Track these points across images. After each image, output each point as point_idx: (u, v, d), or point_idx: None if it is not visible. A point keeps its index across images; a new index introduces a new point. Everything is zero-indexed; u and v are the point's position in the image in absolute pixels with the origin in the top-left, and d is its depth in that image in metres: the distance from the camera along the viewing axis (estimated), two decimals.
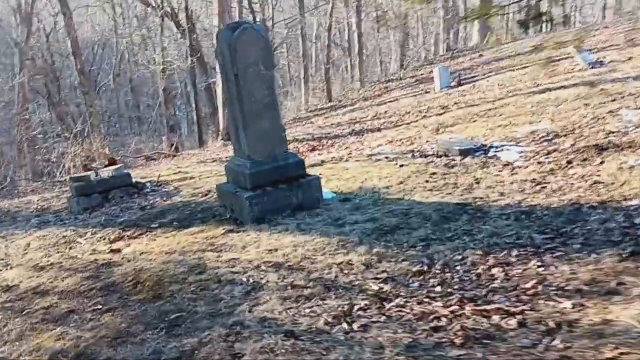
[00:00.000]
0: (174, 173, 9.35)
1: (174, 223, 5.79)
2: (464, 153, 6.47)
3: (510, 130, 7.25)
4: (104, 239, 5.66)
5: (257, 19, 27.29)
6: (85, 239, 5.80)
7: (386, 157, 7.19)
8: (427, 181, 5.80)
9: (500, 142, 6.79)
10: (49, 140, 27.00)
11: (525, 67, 14.15)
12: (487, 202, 4.94)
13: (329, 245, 4.42)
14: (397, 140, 8.48)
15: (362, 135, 10.55)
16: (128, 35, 33.48)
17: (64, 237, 6.11)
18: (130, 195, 7.70)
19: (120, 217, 6.59)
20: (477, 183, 5.50)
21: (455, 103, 11.31)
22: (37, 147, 22.56)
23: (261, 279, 3.96)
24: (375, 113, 13.53)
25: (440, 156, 6.66)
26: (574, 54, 12.08)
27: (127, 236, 5.59)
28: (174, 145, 22.55)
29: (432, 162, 6.50)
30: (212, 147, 18.57)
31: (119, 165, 8.04)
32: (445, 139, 7.59)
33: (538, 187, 5.12)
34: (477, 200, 5.03)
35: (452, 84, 14.79)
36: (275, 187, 5.41)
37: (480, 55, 21.13)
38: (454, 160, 6.41)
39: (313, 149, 10.16)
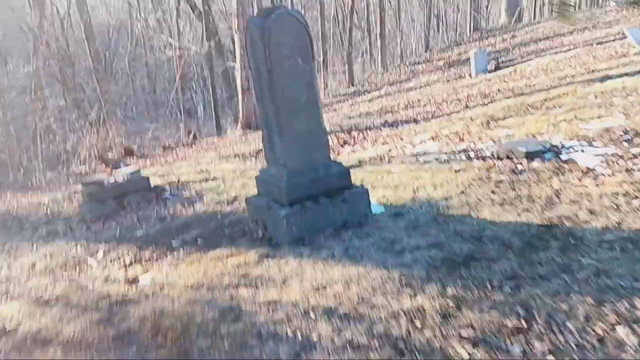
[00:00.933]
0: (195, 172, 8.55)
1: (199, 241, 5.01)
2: (531, 155, 5.58)
3: (577, 127, 6.32)
4: (119, 261, 4.90)
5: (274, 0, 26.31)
6: (97, 261, 5.03)
7: (436, 159, 6.31)
8: (493, 192, 4.92)
9: (570, 141, 5.88)
10: (64, 127, 26.42)
11: (569, 49, 13.10)
12: (577, 224, 4.06)
13: (389, 280, 3.59)
14: (442, 136, 7.59)
15: (397, 127, 9.65)
16: (143, 19, 32.62)
17: (73, 256, 5.36)
18: (148, 201, 6.93)
19: (136, 229, 5.83)
20: (557, 196, 4.62)
21: (499, 90, 10.36)
22: (52, 135, 21.88)
23: (311, 332, 3.15)
24: (407, 101, 12.60)
25: (502, 158, 5.77)
26: (627, 35, 11.02)
27: (145, 259, 4.80)
28: (192, 133, 21.79)
29: (493, 166, 5.61)
30: (231, 136, 17.78)
31: (135, 169, 7.26)
32: (504, 137, 6.69)
33: (637, 204, 4.22)
34: (563, 220, 4.15)
35: (489, 68, 13.78)
36: (315, 202, 4.59)
37: (513, 37, 19.99)
38: (520, 164, 5.52)
39: (344, 143, 9.30)
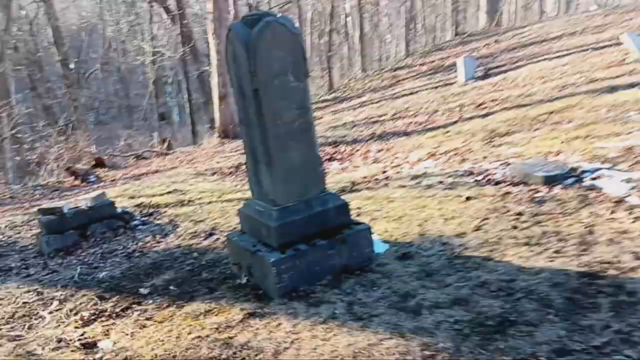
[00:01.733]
0: (168, 192, 7.77)
1: (171, 288, 4.25)
2: (551, 181, 4.94)
3: (594, 146, 5.71)
4: (76, 315, 4.11)
5: (251, 3, 25.56)
6: (50, 313, 4.25)
7: (440, 182, 5.64)
8: (514, 227, 4.26)
9: (590, 163, 5.26)
10: (33, 136, 25.15)
11: (561, 56, 12.58)
12: (623, 272, 3.41)
13: (408, 355, 2.89)
14: (441, 154, 6.93)
15: (388, 140, 8.98)
16: (114, 23, 31.56)
17: (24, 303, 4.57)
18: (115, 230, 6.14)
19: (100, 269, 5.05)
20: (591, 233, 3.97)
21: (493, 100, 9.75)
22: (19, 145, 20.74)
23: None
24: (394, 110, 11.95)
25: (517, 184, 5.12)
26: (625, 41, 10.51)
27: (107, 313, 4.02)
28: (166, 142, 20.87)
29: (508, 193, 4.96)
30: (208, 147, 16.99)
31: (99, 193, 6.46)
32: (512, 156, 6.05)
33: None
34: (606, 267, 3.50)
35: (478, 75, 13.21)
36: (311, 245, 3.88)
37: (497, 41, 19.52)
38: (538, 191, 4.88)
39: (331, 159, 8.59)
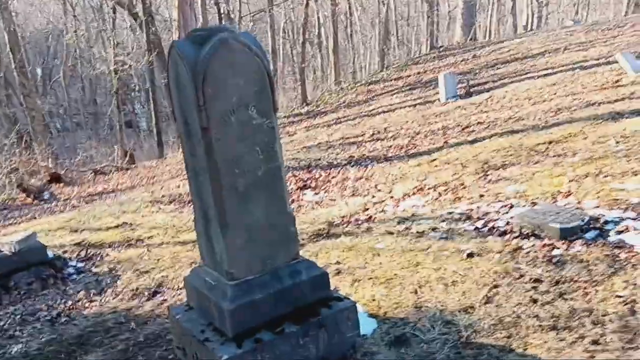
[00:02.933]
0: (116, 226, 6.74)
1: None
2: (569, 234, 4.10)
3: (610, 187, 4.90)
4: None
5: (222, 11, 24.58)
6: None
7: (433, 229, 4.76)
8: (534, 300, 3.39)
9: (611, 210, 4.44)
10: None
11: (547, 74, 11.91)
12: None
13: None
14: (429, 189, 6.07)
15: (367, 167, 8.10)
16: (78, 28, 30.21)
17: None
18: (44, 280, 5.12)
19: (15, 339, 4.04)
20: (633, 313, 3.12)
21: (479, 123, 8.97)
22: None
23: None
24: (372, 130, 11.09)
25: (527, 236, 4.27)
26: (619, 60, 9.84)
27: None
28: (127, 155, 19.67)
29: (519, 249, 4.09)
30: (172, 162, 15.92)
31: (28, 234, 5.41)
32: (513, 196, 5.21)
33: None
34: None
35: (459, 92, 12.47)
36: (278, 332, 2.94)
37: (475, 56, 18.90)
38: (554, 247, 4.03)
39: (305, 186, 7.67)
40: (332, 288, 3.92)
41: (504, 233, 4.43)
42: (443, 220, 4.95)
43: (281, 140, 10.60)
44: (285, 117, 19.43)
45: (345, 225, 5.35)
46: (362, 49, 34.82)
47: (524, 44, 18.38)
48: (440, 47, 25.81)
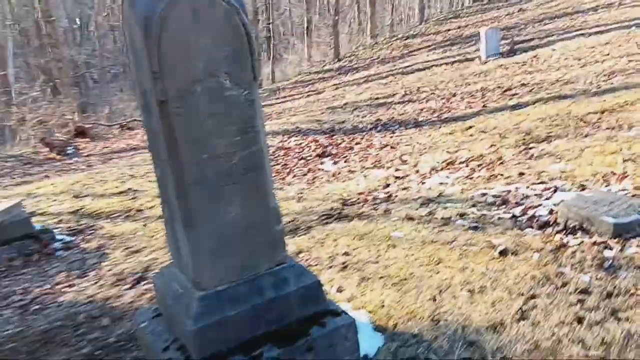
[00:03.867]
0: (120, 192, 6.24)
1: None
2: (624, 231, 3.39)
3: None
4: None
5: None
6: None
7: (461, 215, 4.08)
8: (579, 319, 2.73)
9: None
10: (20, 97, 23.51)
11: (599, 32, 10.80)
12: None
13: None
14: (461, 162, 5.35)
15: (394, 133, 7.39)
16: None
17: None
18: (27, 256, 4.67)
19: None
20: None
21: (523, 85, 8.10)
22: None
23: None
24: (404, 90, 10.29)
25: (574, 230, 3.56)
26: None
27: None
28: None
29: (563, 247, 3.40)
30: None
31: (13, 203, 4.93)
32: (558, 176, 4.48)
33: None
34: None
35: (502, 50, 11.48)
36: (254, 357, 2.35)
37: (521, 10, 17.61)
38: (606, 246, 3.33)
39: (324, 153, 7.03)
40: (335, 287, 3.33)
41: (545, 225, 3.73)
42: (474, 205, 4.25)
43: (307, 96, 10.01)
44: (315, 72, 18.63)
45: (361, 205, 4.70)
46: (401, 1, 33.29)
47: None
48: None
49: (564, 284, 3.04)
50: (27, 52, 29.50)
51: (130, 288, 3.82)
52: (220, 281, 2.40)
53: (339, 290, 3.27)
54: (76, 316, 3.51)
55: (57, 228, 5.35)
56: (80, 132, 16.85)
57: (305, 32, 25.67)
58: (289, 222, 4.47)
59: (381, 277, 3.36)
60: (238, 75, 2.28)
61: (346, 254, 3.71)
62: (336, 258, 3.67)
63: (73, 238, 4.99)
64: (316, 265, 3.62)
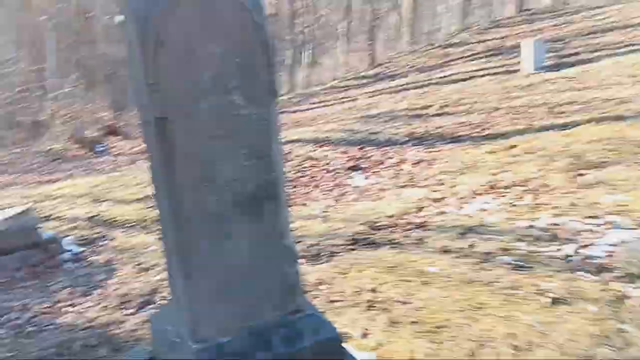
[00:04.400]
0: (139, 199, 5.96)
1: None
2: None
3: None
4: None
5: None
6: None
7: (504, 250, 3.63)
8: None
9: None
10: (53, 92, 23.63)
11: None
12: None
13: None
14: (505, 187, 4.89)
15: (431, 146, 6.95)
16: None
17: None
18: (33, 267, 4.39)
19: None
20: None
21: (571, 103, 7.57)
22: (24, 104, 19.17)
23: None
24: (442, 101, 9.83)
25: (635, 278, 3.09)
26: None
27: None
28: None
29: (624, 299, 2.93)
30: None
31: (22, 209, 4.67)
32: (614, 210, 3.99)
33: None
34: None
35: (547, 63, 10.92)
36: None
37: (567, 22, 16.94)
38: None
39: (353, 167, 6.62)
40: (359, 331, 2.92)
41: (602, 268, 3.26)
42: (519, 238, 3.80)
43: (341, 103, 9.56)
44: (351, 79, 18.26)
45: (391, 230, 4.29)
46: (441, 8, 32.67)
47: (623, 11, 16.25)
48: (529, 9, 23.61)
49: (627, 345, 2.58)
50: (63, 47, 29.74)
51: (134, 313, 3.49)
52: (221, 332, 2.03)
53: (364, 335, 2.87)
54: (72, 344, 3.18)
55: (69, 236, 5.07)
56: (112, 131, 16.80)
57: (342, 37, 25.35)
58: (311, 245, 4.08)
59: (412, 322, 2.94)
60: (251, 91, 1.90)
61: (373, 290, 3.30)
62: (362, 294, 3.27)
63: (82, 249, 4.70)
64: (339, 301, 3.22)
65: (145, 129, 2.02)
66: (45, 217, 5.78)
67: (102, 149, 14.96)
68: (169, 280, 2.27)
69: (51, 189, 7.52)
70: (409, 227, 4.31)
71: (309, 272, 3.58)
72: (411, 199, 4.99)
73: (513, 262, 3.47)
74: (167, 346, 2.16)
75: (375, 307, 3.14)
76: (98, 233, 5.07)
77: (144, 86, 1.83)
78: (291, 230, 2.12)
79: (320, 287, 3.41)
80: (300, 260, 3.84)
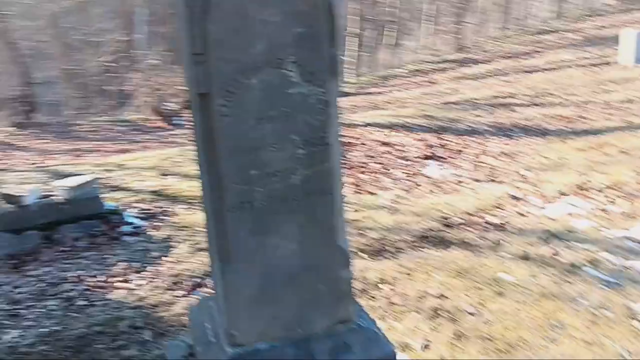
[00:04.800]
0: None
1: None
2: None
3: None
4: None
5: None
6: None
7: (592, 262, 3.22)
8: None
9: None
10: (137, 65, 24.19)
11: None
12: None
13: None
14: (596, 190, 4.41)
15: (515, 138, 6.47)
16: None
17: None
18: (92, 237, 4.34)
19: (18, 319, 3.25)
20: None
21: None
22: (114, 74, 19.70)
23: None
24: (529, 90, 9.20)
25: None
26: None
27: None
28: None
29: None
30: None
31: (88, 179, 4.63)
32: None
33: None
34: None
35: None
36: None
37: None
38: None
39: (429, 156, 6.25)
40: (420, 341, 2.63)
41: None
42: (610, 250, 3.37)
43: (418, 86, 9.10)
44: (433, 62, 17.63)
45: (465, 229, 3.93)
46: None
47: None
48: None
49: None
50: (154, 19, 30.45)
51: (184, 296, 3.34)
52: (260, 337, 1.81)
53: (425, 346, 2.57)
54: (118, 323, 3.07)
55: (132, 208, 5.03)
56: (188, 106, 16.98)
57: (428, 18, 24.53)
58: (375, 239, 3.80)
59: (481, 337, 2.61)
60: (310, 67, 1.64)
61: (440, 296, 2.99)
62: (426, 299, 2.96)
63: (143, 223, 4.62)
64: (401, 304, 2.93)
65: (194, 107, 1.79)
66: (112, 186, 5.78)
67: (178, 122, 15.14)
68: (211, 270, 2.07)
69: (123, 158, 7.58)
70: (485, 226, 3.94)
71: (370, 269, 3.30)
72: (489, 195, 4.59)
73: (602, 277, 3.05)
74: (203, 345, 1.96)
75: (440, 315, 2.83)
76: (160, 207, 4.99)
77: (188, 57, 1.60)
78: (346, 230, 1.85)
79: (381, 286, 3.13)
80: (362, 255, 3.58)
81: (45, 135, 13.60)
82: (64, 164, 8.24)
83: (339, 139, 1.76)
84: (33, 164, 8.98)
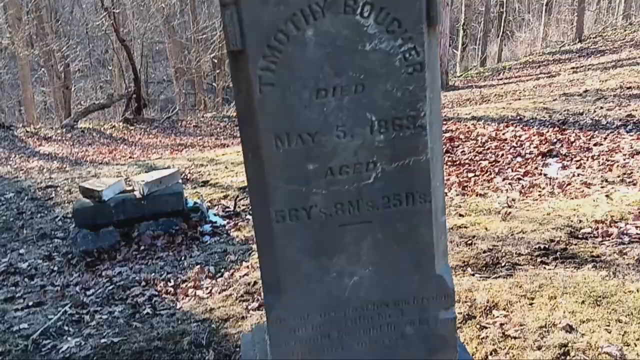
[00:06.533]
0: None
1: None
2: None
3: None
4: None
5: None
6: None
7: None
8: None
9: None
10: None
11: None
12: None
13: None
14: None
15: None
16: None
17: None
18: (171, 236, 4.05)
19: (75, 330, 2.99)
20: None
21: None
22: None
23: None
24: None
25: None
26: None
27: None
28: None
29: None
30: None
31: (170, 172, 4.35)
32: None
33: None
34: None
35: None
36: None
37: None
38: None
39: (549, 152, 5.46)
40: None
41: None
42: None
43: (535, 79, 8.21)
44: (550, 53, 16.31)
45: (598, 241, 3.20)
46: None
47: None
48: None
49: None
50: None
51: (256, 309, 2.91)
52: None
53: None
54: (182, 338, 2.69)
55: (217, 205, 4.71)
56: None
57: (544, 8, 22.89)
58: (485, 251, 3.16)
59: None
60: (395, 11, 1.10)
61: (569, 328, 2.32)
62: (552, 332, 2.31)
63: (225, 222, 4.27)
64: (516, 337, 2.31)
65: (237, 96, 1.31)
66: (201, 182, 5.54)
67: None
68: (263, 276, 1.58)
69: (218, 153, 7.38)
70: (623, 239, 3.18)
71: (479, 289, 2.69)
72: (627, 201, 3.79)
73: None
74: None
75: (568, 354, 2.18)
76: (244, 205, 4.64)
77: (236, 38, 1.12)
78: (447, 252, 1.29)
79: (493, 312, 2.51)
80: (468, 270, 2.98)
81: (152, 130, 13.90)
82: (161, 158, 8.20)
83: (439, 120, 1.21)
84: (131, 157, 9.05)
